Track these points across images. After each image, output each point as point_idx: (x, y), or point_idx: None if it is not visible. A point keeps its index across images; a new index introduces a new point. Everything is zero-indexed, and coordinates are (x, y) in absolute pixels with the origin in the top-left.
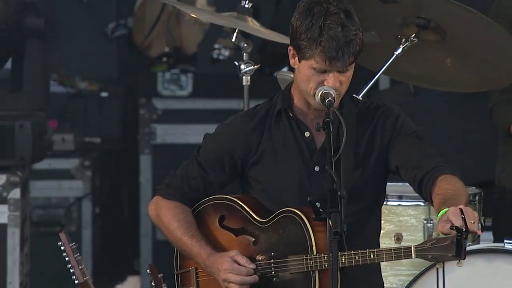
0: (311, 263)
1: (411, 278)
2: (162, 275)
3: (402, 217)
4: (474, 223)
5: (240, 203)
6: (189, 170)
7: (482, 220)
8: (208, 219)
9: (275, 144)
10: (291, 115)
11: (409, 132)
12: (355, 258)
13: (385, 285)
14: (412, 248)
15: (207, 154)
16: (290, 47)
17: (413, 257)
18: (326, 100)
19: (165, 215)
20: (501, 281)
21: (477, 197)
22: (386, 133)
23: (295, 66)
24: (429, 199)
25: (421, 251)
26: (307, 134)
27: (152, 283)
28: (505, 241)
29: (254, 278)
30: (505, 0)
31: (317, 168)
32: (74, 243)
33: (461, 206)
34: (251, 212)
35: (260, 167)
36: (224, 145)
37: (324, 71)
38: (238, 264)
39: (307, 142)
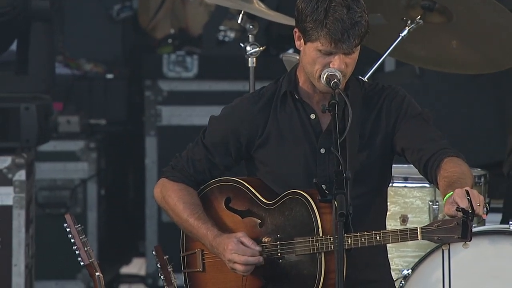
0: (317, 245)
1: (416, 260)
2: (167, 257)
3: (408, 199)
4: (479, 205)
5: (246, 184)
6: (194, 152)
7: (487, 203)
8: (214, 201)
9: (281, 126)
10: (296, 97)
11: (414, 114)
12: (361, 239)
13: (391, 266)
14: (418, 229)
15: (212, 136)
16: (296, 29)
17: (419, 238)
18: (332, 82)
19: (171, 197)
20: (506, 263)
21: (482, 179)
22: (392, 115)
23: (301, 48)
24: (435, 182)
25: (427, 232)
26: (312, 116)
27: (158, 265)
28: (510, 222)
29: (258, 259)
30: None
31: (322, 150)
32: (79, 225)
33: (467, 188)
34: (257, 194)
35: (266, 149)
36: (230, 127)
37: (329, 53)
38: (244, 245)
39: (312, 124)
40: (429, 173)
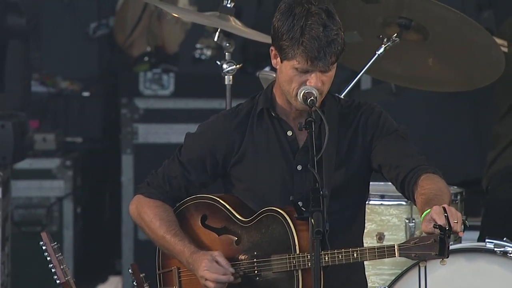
0: (294, 262)
1: (393, 278)
2: (144, 274)
3: (384, 216)
4: (457, 222)
5: (223, 202)
6: (170, 169)
7: (465, 220)
8: (190, 218)
9: (257, 143)
10: (273, 114)
11: (391, 130)
12: (338, 257)
13: (368, 284)
14: (396, 247)
15: (188, 153)
16: (272, 47)
17: (396, 256)
18: (308, 100)
19: (146, 213)
20: (483, 280)
21: (458, 197)
22: (368, 132)
23: (277, 67)
24: (412, 199)
25: (405, 250)
26: (289, 133)
27: (134, 282)
28: (487, 240)
29: (229, 277)
30: None
31: (299, 167)
32: (55, 243)
33: (445, 205)
34: (233, 212)
35: (242, 166)
36: (206, 144)
37: (306, 71)
38: (218, 264)
39: (289, 141)
40: (406, 190)
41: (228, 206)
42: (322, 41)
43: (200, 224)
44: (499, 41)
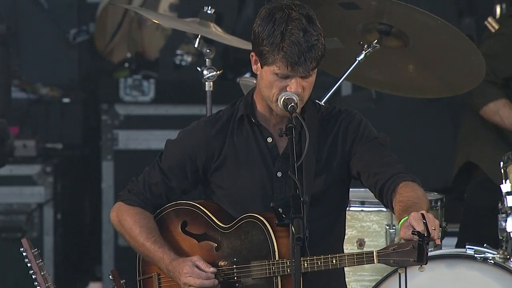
0: (273, 268)
1: (373, 284)
2: (124, 281)
3: (365, 223)
4: (435, 229)
5: (203, 208)
6: (151, 176)
7: (445, 226)
8: (170, 225)
9: (238, 149)
10: (253, 120)
11: (371, 138)
12: (317, 263)
13: None
14: (374, 253)
15: (169, 160)
16: (252, 53)
17: (375, 262)
18: (289, 106)
19: (127, 220)
20: (463, 287)
21: (439, 203)
22: (348, 139)
23: (258, 72)
24: (390, 206)
25: (383, 256)
26: (269, 139)
27: None
28: (467, 246)
29: (213, 282)
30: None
31: (279, 174)
32: (36, 249)
33: (423, 212)
34: (213, 218)
35: (222, 172)
36: (186, 151)
37: (286, 77)
38: (199, 268)
39: (269, 148)
40: (385, 198)
41: (208, 213)
42: (303, 46)
43: (180, 231)
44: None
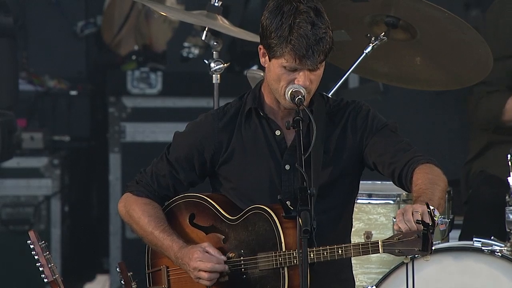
0: (280, 259)
1: (381, 276)
2: (131, 273)
3: (372, 215)
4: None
5: (210, 201)
6: (158, 167)
7: (450, 219)
8: (178, 217)
9: (246, 142)
10: (261, 113)
11: (380, 126)
12: (323, 253)
13: (355, 283)
14: (380, 243)
15: (176, 152)
16: (260, 46)
17: (380, 251)
18: (296, 99)
19: (135, 210)
20: (470, 279)
21: (446, 196)
22: (358, 130)
23: (265, 65)
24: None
25: (388, 245)
26: (277, 132)
27: (122, 281)
28: (474, 239)
29: (224, 267)
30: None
31: (287, 167)
32: (43, 242)
33: (417, 204)
34: (221, 210)
35: (230, 165)
36: (194, 143)
37: (294, 70)
38: (209, 254)
39: (277, 141)
40: (405, 185)
41: (216, 205)
42: (311, 39)
43: (188, 223)
44: None
